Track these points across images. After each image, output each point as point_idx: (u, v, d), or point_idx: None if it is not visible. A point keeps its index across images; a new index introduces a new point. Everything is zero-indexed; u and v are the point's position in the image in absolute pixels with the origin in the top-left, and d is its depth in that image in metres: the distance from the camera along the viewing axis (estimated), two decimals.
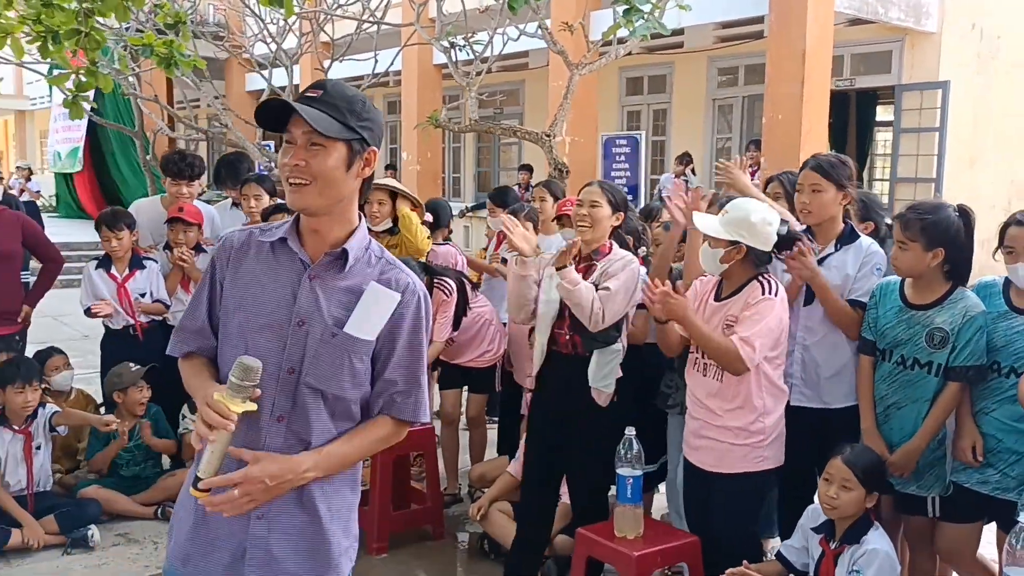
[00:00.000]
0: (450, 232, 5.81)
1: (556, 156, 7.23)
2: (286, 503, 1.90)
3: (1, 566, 4.08)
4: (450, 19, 8.61)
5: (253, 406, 1.80)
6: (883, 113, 13.64)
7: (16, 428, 4.39)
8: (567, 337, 3.55)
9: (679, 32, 11.66)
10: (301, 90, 1.94)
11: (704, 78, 13.58)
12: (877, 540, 2.97)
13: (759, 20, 10.83)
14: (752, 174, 10.70)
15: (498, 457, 4.97)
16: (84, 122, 12.05)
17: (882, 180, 13.11)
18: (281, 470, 1.83)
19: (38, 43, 6.79)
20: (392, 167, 16.66)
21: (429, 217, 5.27)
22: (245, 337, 1.90)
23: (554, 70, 11.35)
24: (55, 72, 12.25)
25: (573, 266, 3.49)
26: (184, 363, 2.02)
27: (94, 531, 4.29)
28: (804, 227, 3.57)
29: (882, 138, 14.14)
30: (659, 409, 3.98)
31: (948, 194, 9.59)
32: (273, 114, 1.87)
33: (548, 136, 7.24)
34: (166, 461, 4.99)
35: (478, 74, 8.08)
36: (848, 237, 3.52)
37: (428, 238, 4.93)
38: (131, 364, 4.80)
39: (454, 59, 8.12)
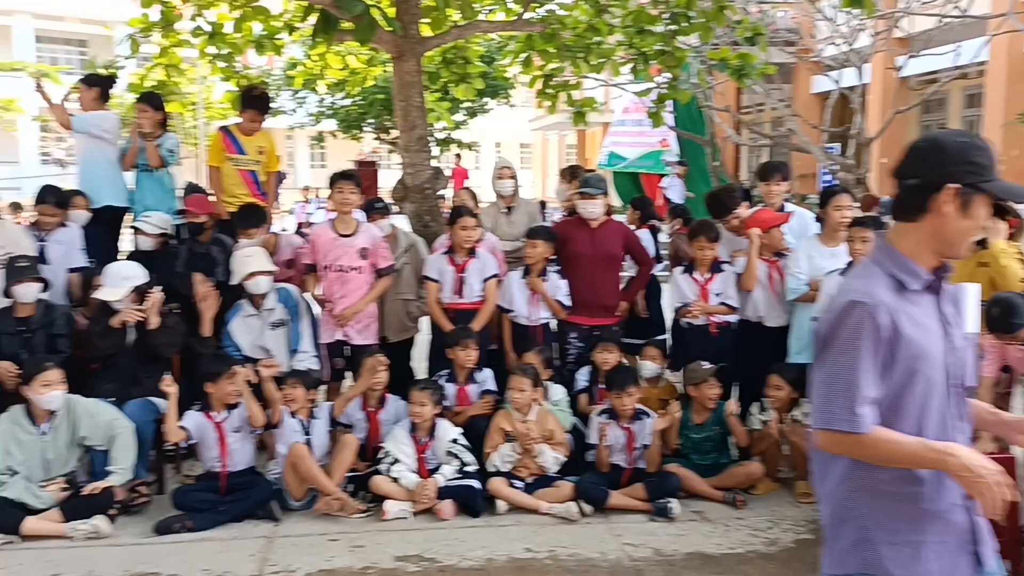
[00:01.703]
0: None
1: None
2: None
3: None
4: None
5: None
6: None
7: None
8: None
9: None
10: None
11: None
12: None
13: None
14: None
15: None
16: (659, 129, 13.10)
17: None
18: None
19: (631, 64, 7.82)
20: None
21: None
22: (925, 378, 2.06)
23: None
24: (631, 87, 13.62)
25: None
26: (876, 437, 2.04)
27: (675, 504, 4.87)
28: None
29: None
30: None
31: None
32: None
33: None
34: (733, 451, 5.41)
35: None
36: None
37: None
38: (703, 362, 5.31)
39: None
